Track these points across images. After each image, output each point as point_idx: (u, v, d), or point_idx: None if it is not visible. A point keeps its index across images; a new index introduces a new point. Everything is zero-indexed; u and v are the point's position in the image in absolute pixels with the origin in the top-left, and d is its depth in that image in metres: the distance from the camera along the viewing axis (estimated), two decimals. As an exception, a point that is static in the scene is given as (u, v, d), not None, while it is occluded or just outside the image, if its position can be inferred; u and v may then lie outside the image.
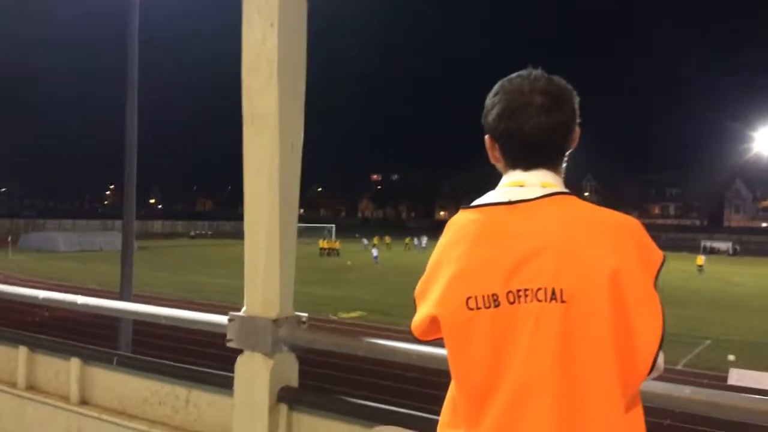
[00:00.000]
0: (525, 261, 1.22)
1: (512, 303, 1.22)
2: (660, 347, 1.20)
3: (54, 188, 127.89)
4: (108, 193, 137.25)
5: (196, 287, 32.05)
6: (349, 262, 47.17)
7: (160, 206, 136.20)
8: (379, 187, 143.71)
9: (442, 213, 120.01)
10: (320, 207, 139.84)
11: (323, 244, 58.16)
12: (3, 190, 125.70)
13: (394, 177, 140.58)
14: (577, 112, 1.36)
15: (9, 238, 52.89)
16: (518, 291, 1.22)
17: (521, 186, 1.31)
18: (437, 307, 1.28)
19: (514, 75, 1.36)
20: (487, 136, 1.39)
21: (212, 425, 2.84)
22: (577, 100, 1.36)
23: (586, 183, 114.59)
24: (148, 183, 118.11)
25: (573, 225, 1.24)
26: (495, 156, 1.40)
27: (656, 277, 1.23)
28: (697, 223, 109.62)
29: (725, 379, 16.22)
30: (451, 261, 1.29)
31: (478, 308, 1.23)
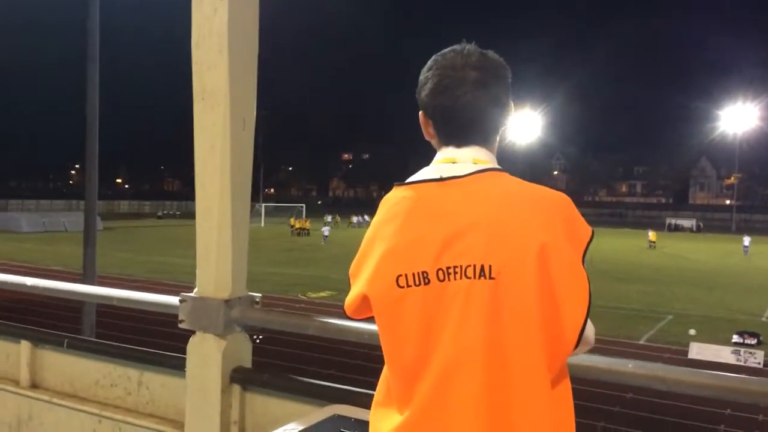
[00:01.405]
0: (455, 238, 1.21)
1: (442, 280, 1.21)
2: (586, 321, 1.20)
3: (17, 169, 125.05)
4: (73, 173, 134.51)
5: (164, 268, 31.72)
6: (322, 243, 47.06)
7: (127, 186, 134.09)
8: (350, 166, 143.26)
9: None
10: (291, 186, 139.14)
11: (294, 223, 57.90)
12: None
13: (365, 156, 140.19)
14: (510, 88, 1.35)
15: (-30, 220, 51.63)
16: (448, 268, 1.21)
17: (453, 162, 1.30)
18: (368, 285, 1.27)
19: (447, 50, 1.34)
20: (421, 113, 1.37)
21: (165, 407, 2.81)
22: (510, 75, 1.35)
23: (555, 162, 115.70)
24: (115, 163, 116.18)
25: (502, 201, 1.24)
26: (429, 132, 1.38)
27: (585, 252, 1.23)
28: (663, 200, 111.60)
29: (686, 353, 16.65)
30: (383, 238, 1.28)
31: (409, 286, 1.22)
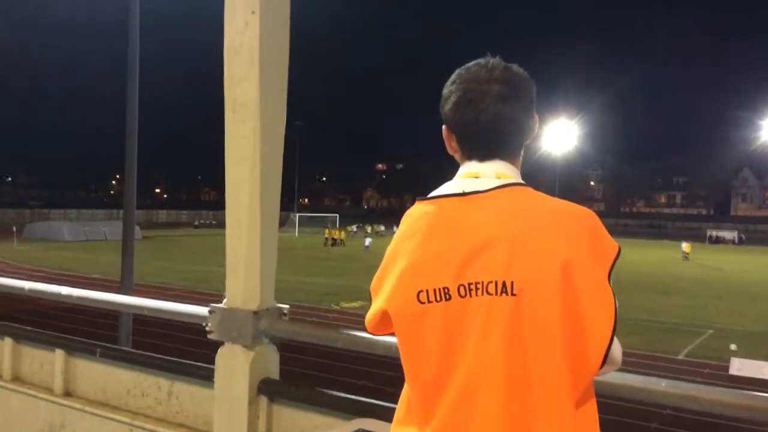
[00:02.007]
0: (476, 254, 1.19)
1: (463, 296, 1.18)
2: (611, 340, 1.16)
3: (60, 178, 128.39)
4: (114, 182, 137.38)
5: (200, 276, 32.11)
6: (364, 251, 46.89)
7: (165, 196, 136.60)
8: (384, 176, 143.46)
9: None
10: (324, 197, 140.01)
11: (328, 233, 58.21)
12: (8, 179, 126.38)
13: (399, 166, 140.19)
14: (535, 102, 1.32)
15: (14, 228, 52.82)
16: (469, 284, 1.18)
17: (476, 177, 1.28)
18: (388, 301, 1.25)
19: (471, 63, 1.32)
20: (444, 127, 1.35)
21: (194, 417, 2.83)
22: (534, 89, 1.32)
23: (592, 172, 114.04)
24: (154, 173, 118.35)
25: (525, 216, 1.21)
26: (452, 147, 1.36)
27: (611, 269, 1.19)
28: (704, 212, 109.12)
29: (727, 368, 16.19)
30: (404, 254, 1.26)
31: (430, 302, 1.20)
